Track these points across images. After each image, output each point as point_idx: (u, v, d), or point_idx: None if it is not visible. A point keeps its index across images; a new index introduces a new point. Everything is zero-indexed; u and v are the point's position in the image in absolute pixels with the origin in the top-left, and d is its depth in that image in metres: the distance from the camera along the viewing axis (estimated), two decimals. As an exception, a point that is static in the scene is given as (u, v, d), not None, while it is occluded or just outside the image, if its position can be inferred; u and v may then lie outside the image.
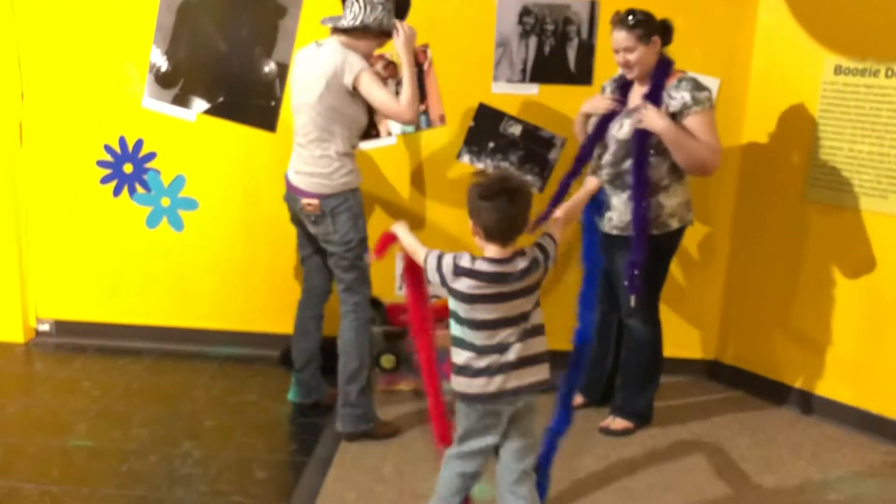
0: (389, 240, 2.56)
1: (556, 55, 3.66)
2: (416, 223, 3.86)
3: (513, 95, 3.69)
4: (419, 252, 2.38)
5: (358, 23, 3.00)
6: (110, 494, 2.78)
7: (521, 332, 2.27)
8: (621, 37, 2.98)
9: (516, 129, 3.74)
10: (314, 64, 3.05)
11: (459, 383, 2.31)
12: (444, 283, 2.27)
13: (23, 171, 3.95)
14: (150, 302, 4.06)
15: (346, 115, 3.05)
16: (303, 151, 3.11)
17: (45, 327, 4.15)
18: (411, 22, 3.48)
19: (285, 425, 3.39)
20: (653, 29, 2.99)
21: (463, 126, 3.76)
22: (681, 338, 3.92)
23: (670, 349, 3.88)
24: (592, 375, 3.53)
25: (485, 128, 3.74)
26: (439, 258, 2.28)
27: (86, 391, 3.58)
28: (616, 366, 3.47)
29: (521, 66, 3.68)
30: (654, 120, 2.94)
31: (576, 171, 3.23)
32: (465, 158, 3.79)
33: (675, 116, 2.98)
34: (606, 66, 3.52)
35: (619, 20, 2.99)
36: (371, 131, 3.77)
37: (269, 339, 3.97)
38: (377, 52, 3.25)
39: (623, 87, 3.17)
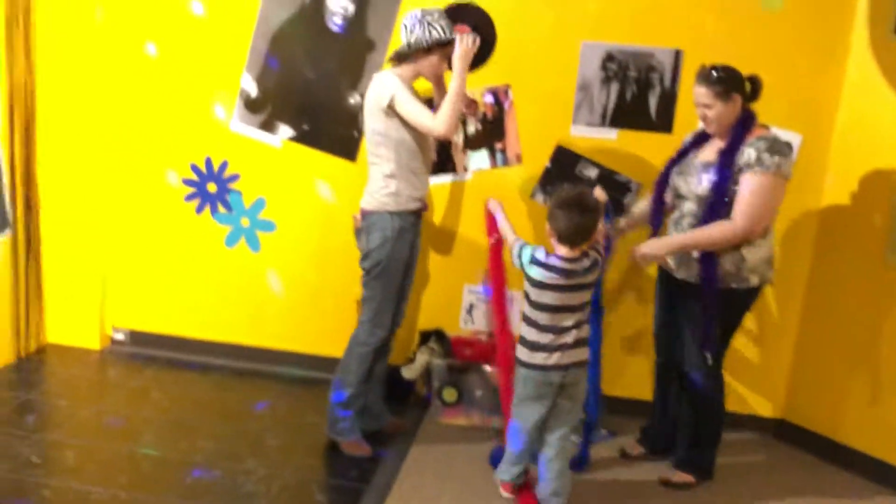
0: (491, 219, 3.30)
1: (638, 102, 3.68)
2: (483, 257, 3.88)
3: (591, 139, 3.71)
4: (509, 236, 3.07)
5: (400, 49, 3.16)
6: (175, 504, 2.85)
7: (577, 319, 2.82)
8: (701, 92, 2.97)
9: (592, 172, 3.76)
10: (368, 92, 3.21)
11: (522, 353, 2.87)
12: (521, 267, 2.86)
13: (111, 185, 4.12)
14: (223, 319, 4.17)
15: (392, 139, 3.15)
16: (368, 171, 3.30)
17: (120, 336, 4.30)
18: (495, 60, 3.56)
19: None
20: (734, 86, 2.95)
21: (539, 166, 3.80)
22: (749, 394, 3.86)
23: (737, 405, 3.83)
24: (655, 426, 3.49)
25: (561, 169, 3.77)
26: (521, 247, 2.89)
27: (156, 401, 3.69)
28: (678, 415, 3.42)
29: (601, 111, 3.71)
30: (646, 254, 3.05)
31: (656, 223, 3.24)
32: (539, 198, 3.82)
33: (738, 173, 2.92)
34: (688, 115, 3.52)
35: (702, 75, 2.98)
36: (446, 166, 3.84)
37: (335, 363, 4.01)
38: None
39: (702, 136, 3.17)
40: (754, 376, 3.85)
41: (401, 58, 3.19)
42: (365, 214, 3.24)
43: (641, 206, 3.40)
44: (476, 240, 3.89)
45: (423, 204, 3.32)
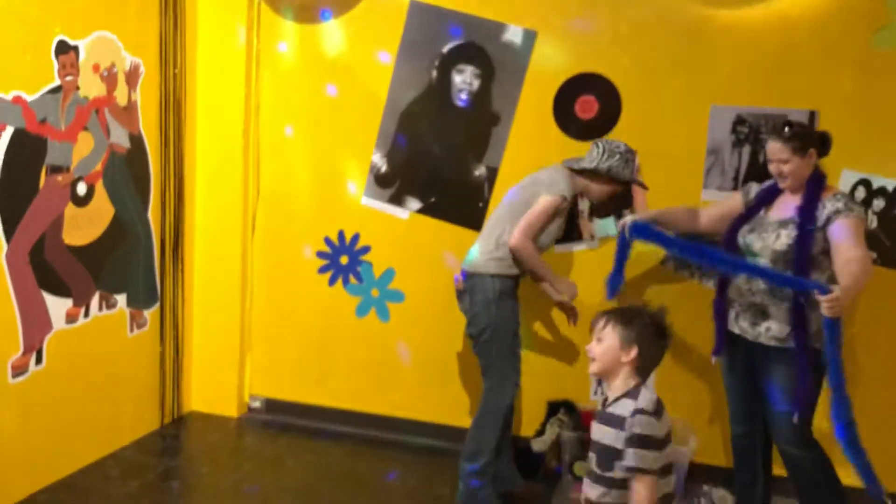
0: None
1: (771, 164, 3.57)
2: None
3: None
4: None
5: (591, 166, 3.32)
6: (311, 575, 2.88)
7: None
8: (777, 147, 2.95)
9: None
10: (530, 177, 3.40)
11: None
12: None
13: (251, 259, 4.33)
14: (354, 387, 4.26)
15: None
16: (478, 239, 3.44)
17: (256, 404, 4.44)
18: (622, 126, 3.59)
19: (477, 523, 3.38)
20: (809, 142, 2.93)
21: (669, 232, 3.71)
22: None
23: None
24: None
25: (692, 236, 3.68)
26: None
27: (290, 470, 3.78)
28: (767, 492, 3.21)
29: (732, 175, 3.62)
30: (840, 305, 2.69)
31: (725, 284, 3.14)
32: (670, 265, 3.73)
33: (824, 226, 2.86)
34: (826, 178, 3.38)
35: (776, 131, 2.97)
36: (573, 234, 3.83)
37: (463, 433, 4.00)
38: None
39: (770, 192, 3.08)
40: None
41: (584, 172, 3.36)
42: (468, 276, 3.33)
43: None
44: (602, 307, 3.82)
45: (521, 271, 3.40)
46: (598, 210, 3.80)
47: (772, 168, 3.00)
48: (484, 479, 3.32)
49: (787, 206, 3.01)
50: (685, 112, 3.65)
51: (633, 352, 2.30)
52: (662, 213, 3.30)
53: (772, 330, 2.96)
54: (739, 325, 3.07)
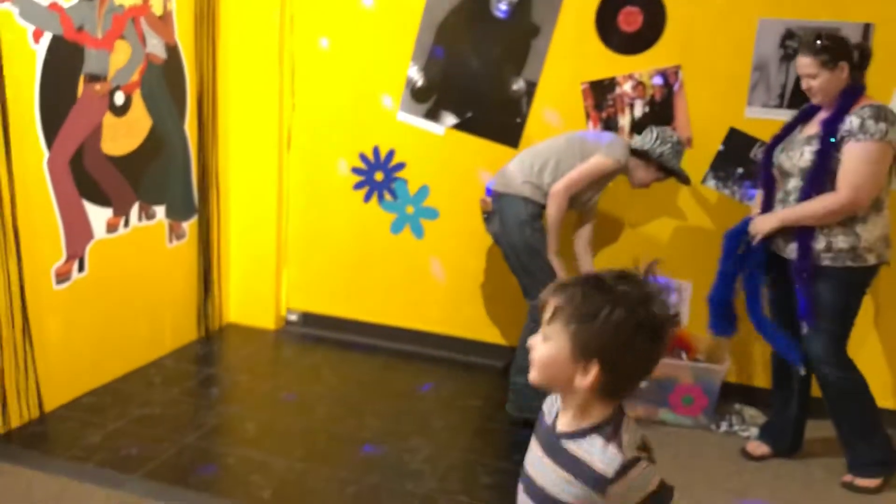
0: None
1: (820, 80, 3.45)
2: (652, 245, 3.79)
3: (768, 121, 3.51)
4: None
5: (645, 147, 3.33)
6: (347, 478, 2.96)
7: None
8: (806, 62, 2.87)
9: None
10: (595, 132, 3.54)
11: None
12: None
13: (287, 174, 4.33)
14: (388, 303, 4.30)
15: (573, 152, 3.35)
16: (513, 160, 3.45)
17: (293, 317, 4.51)
18: (664, 40, 3.51)
19: (510, 434, 3.43)
20: (842, 54, 2.83)
21: (711, 150, 3.64)
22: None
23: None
24: (776, 423, 3.27)
25: (734, 153, 3.61)
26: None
27: (325, 379, 3.86)
28: (802, 410, 3.21)
29: (779, 92, 3.51)
30: (760, 227, 2.93)
31: (768, 206, 3.08)
32: (711, 183, 3.67)
33: (840, 142, 2.80)
34: (875, 94, 3.26)
35: (805, 44, 2.88)
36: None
37: (495, 349, 4.06)
38: (630, 71, 3.29)
39: (809, 111, 3.02)
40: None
41: (637, 153, 3.36)
42: (498, 196, 3.32)
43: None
44: (643, 228, 3.80)
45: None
46: (639, 127, 3.70)
47: (802, 84, 2.93)
48: (536, 390, 3.36)
49: (817, 122, 2.94)
50: (731, 25, 3.53)
51: (593, 371, 1.40)
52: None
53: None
54: (776, 243, 3.03)
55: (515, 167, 3.36)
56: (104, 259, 3.51)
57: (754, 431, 3.44)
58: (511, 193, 3.30)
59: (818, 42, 2.85)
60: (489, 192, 3.41)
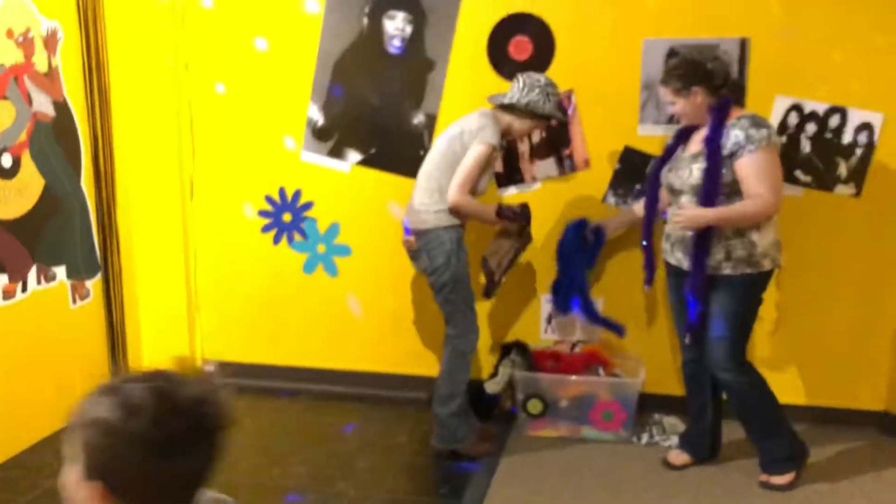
0: None
1: (705, 95, 3.59)
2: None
3: (660, 137, 3.64)
4: None
5: (511, 101, 3.27)
6: (272, 530, 2.90)
7: None
8: (662, 92, 3.05)
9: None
10: (456, 125, 3.34)
11: None
12: None
13: (192, 222, 4.25)
14: (307, 344, 4.25)
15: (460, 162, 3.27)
16: (415, 190, 3.41)
17: (210, 368, 4.40)
18: (556, 66, 3.58)
19: (436, 468, 3.43)
20: (693, 79, 2.95)
21: (609, 170, 3.74)
22: (847, 387, 3.70)
23: (837, 398, 3.69)
24: (694, 431, 3.37)
25: (631, 170, 3.71)
26: None
27: (247, 429, 3.76)
28: (717, 416, 3.31)
29: (668, 108, 3.64)
30: (691, 221, 2.95)
31: (648, 222, 3.33)
32: (611, 201, 3.77)
33: (731, 157, 2.90)
34: (757, 104, 3.42)
35: (663, 74, 3.05)
36: (515, 176, 3.83)
37: (419, 381, 4.05)
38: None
39: (687, 129, 3.15)
40: (853, 368, 3.69)
41: (506, 108, 3.31)
42: (419, 234, 3.30)
43: (636, 207, 3.48)
44: (549, 249, 3.86)
45: None
46: (538, 152, 3.79)
47: (668, 110, 3.10)
48: (460, 418, 3.41)
49: (698, 139, 3.06)
50: (618, 47, 3.64)
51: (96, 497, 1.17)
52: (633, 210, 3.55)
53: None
54: (675, 256, 3.13)
55: (421, 199, 3.35)
56: (3, 328, 3.38)
57: (675, 440, 3.52)
58: (430, 228, 3.29)
59: (669, 72, 3.01)
60: (408, 231, 3.40)
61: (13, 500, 3.10)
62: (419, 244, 3.32)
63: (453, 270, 3.29)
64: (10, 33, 3.36)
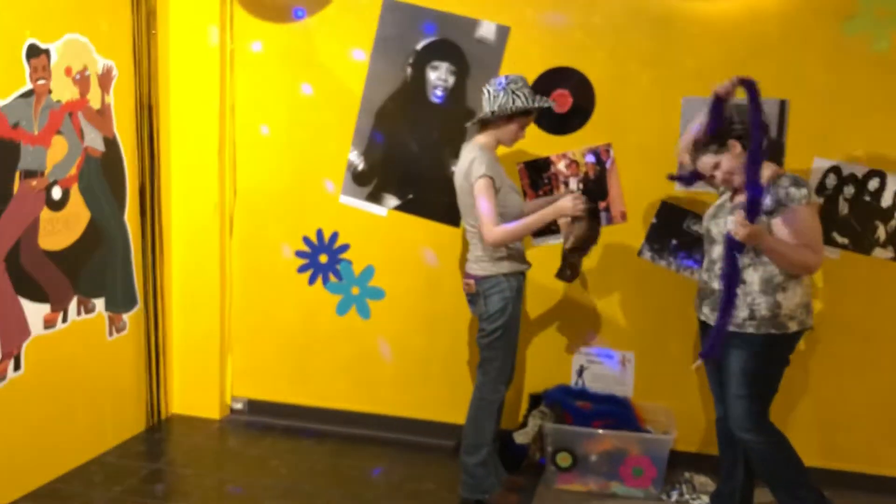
0: None
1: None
2: (593, 318, 3.86)
3: (698, 192, 3.66)
4: None
5: (485, 115, 3.25)
6: (297, 572, 2.88)
7: None
8: (705, 160, 3.04)
9: (701, 228, 3.68)
10: (459, 164, 3.34)
11: None
12: None
13: (230, 260, 4.31)
14: (336, 386, 4.26)
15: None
16: (469, 239, 3.38)
17: (238, 405, 4.43)
18: (595, 120, 3.61)
19: (462, 517, 3.41)
20: (726, 136, 3.01)
21: (645, 223, 3.76)
22: (877, 453, 3.63)
23: (866, 464, 3.62)
24: (724, 489, 3.32)
25: (667, 225, 3.73)
26: None
27: (274, 469, 3.78)
28: (749, 476, 3.25)
29: (706, 165, 3.66)
30: (751, 232, 2.84)
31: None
32: (647, 255, 3.78)
33: (770, 214, 2.91)
34: (795, 166, 3.44)
35: (696, 148, 3.06)
36: (552, 226, 3.85)
37: (446, 428, 4.03)
38: (563, 150, 3.40)
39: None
40: (883, 433, 3.63)
41: (483, 124, 3.30)
42: (479, 280, 3.30)
43: None
44: (584, 301, 3.87)
45: (528, 262, 3.40)
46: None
47: (717, 182, 3.06)
48: (488, 468, 3.38)
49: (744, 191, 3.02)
50: (657, 104, 3.69)
51: None
52: None
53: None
54: (703, 311, 3.12)
55: (475, 249, 3.32)
56: (42, 356, 3.43)
57: (705, 499, 3.46)
58: (491, 274, 3.28)
59: (703, 142, 3.04)
60: (467, 275, 3.37)
61: (41, 530, 3.12)
62: (478, 289, 3.31)
63: (507, 318, 3.28)
64: (68, 71, 3.48)
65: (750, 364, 2.99)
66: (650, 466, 3.52)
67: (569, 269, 3.40)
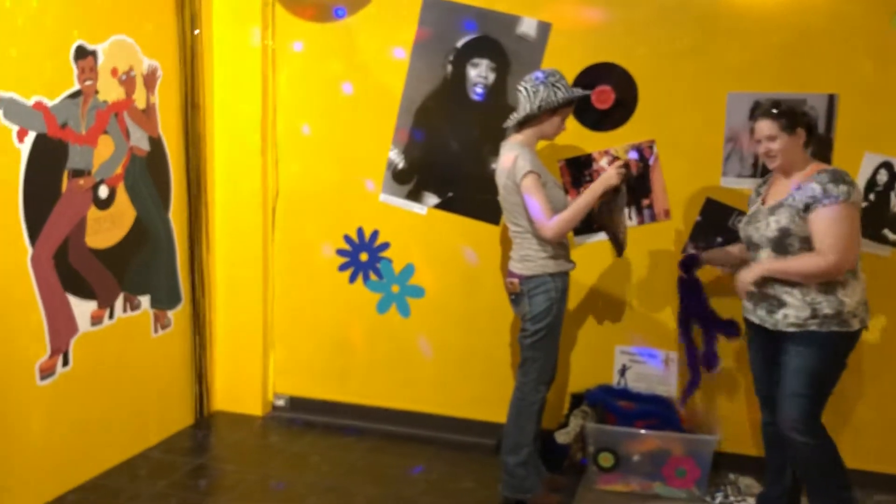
0: None
1: (791, 150, 3.54)
2: (637, 317, 3.82)
3: (743, 190, 3.59)
4: None
5: (527, 112, 3.22)
6: (338, 569, 2.89)
7: None
8: (765, 125, 2.93)
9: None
10: (500, 163, 3.31)
11: None
12: None
13: (271, 259, 4.35)
14: (376, 384, 4.27)
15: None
16: (513, 238, 3.35)
17: (280, 402, 4.47)
18: (637, 117, 3.57)
19: (502, 516, 3.39)
20: (799, 121, 2.92)
21: (689, 221, 3.71)
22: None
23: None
24: (771, 493, 3.25)
25: (712, 223, 3.67)
26: None
27: (315, 466, 3.80)
28: (795, 481, 3.17)
29: (752, 161, 3.60)
30: (744, 284, 2.98)
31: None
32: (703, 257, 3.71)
33: (806, 210, 2.84)
34: (846, 161, 3.36)
35: (763, 109, 2.95)
36: (593, 225, 3.81)
37: (486, 427, 4.01)
38: (605, 147, 3.37)
39: (764, 185, 3.14)
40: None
41: (527, 121, 3.26)
42: (524, 279, 3.27)
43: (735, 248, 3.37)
44: (627, 299, 3.82)
45: (573, 262, 3.37)
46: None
47: (760, 149, 2.99)
48: (528, 468, 3.36)
49: (778, 191, 3.00)
50: (702, 100, 3.63)
51: None
52: (715, 251, 3.46)
53: (789, 317, 2.93)
54: (758, 314, 3.05)
55: (521, 247, 3.29)
56: (89, 352, 3.49)
57: (750, 502, 3.40)
58: (537, 274, 3.26)
59: (776, 108, 2.93)
60: (510, 273, 3.34)
61: (88, 522, 3.18)
62: (522, 288, 3.28)
63: (552, 319, 3.26)
64: (114, 71, 3.54)
65: (812, 362, 2.91)
66: (694, 467, 3.47)
67: (622, 242, 3.39)
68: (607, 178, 3.22)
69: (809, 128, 2.96)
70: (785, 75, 3.52)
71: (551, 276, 3.24)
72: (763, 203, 3.06)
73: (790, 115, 2.91)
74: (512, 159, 3.21)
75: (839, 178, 2.85)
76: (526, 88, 3.23)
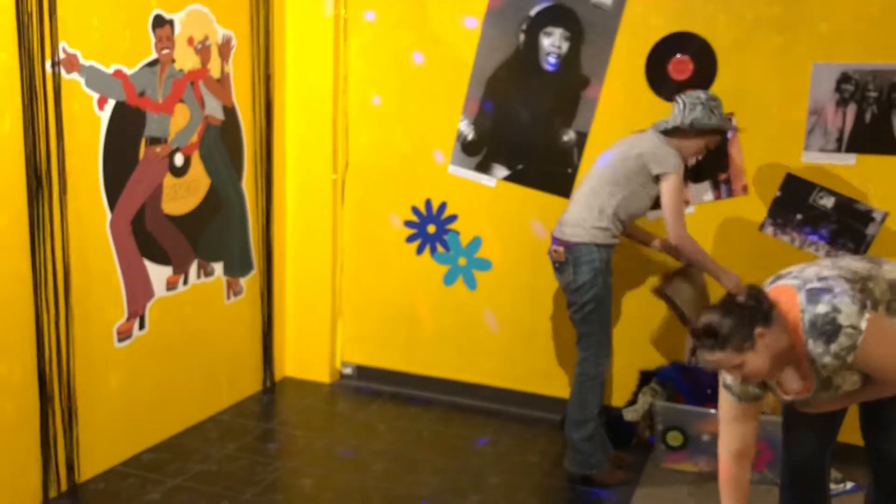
0: None
1: (879, 124, 3.39)
2: (711, 294, 3.72)
3: (826, 165, 3.46)
4: None
5: (676, 123, 3.21)
6: (404, 536, 2.93)
7: None
8: (721, 360, 2.20)
9: (828, 202, 3.49)
10: (627, 144, 3.31)
11: None
12: None
13: (341, 229, 4.38)
14: (442, 355, 4.28)
15: (632, 188, 3.24)
16: (579, 200, 3.33)
17: (348, 371, 4.52)
18: (717, 88, 3.47)
19: (569, 491, 3.36)
20: (753, 322, 2.16)
21: (768, 197, 3.59)
22: None
23: None
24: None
25: (792, 199, 3.54)
26: None
27: (381, 434, 3.84)
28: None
29: (836, 135, 3.45)
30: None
31: None
32: (769, 230, 3.60)
33: (845, 357, 2.21)
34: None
35: (700, 344, 2.22)
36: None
37: (551, 402, 3.99)
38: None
39: None
40: None
41: (674, 132, 3.24)
42: (570, 246, 3.24)
43: None
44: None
45: (619, 240, 3.37)
46: (694, 175, 3.68)
47: (733, 377, 2.36)
48: (594, 444, 3.34)
49: (792, 377, 2.35)
50: (785, 71, 3.49)
51: None
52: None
53: None
54: None
55: (580, 213, 3.28)
56: (164, 316, 3.58)
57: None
58: (585, 242, 3.24)
59: (711, 340, 2.18)
60: (555, 241, 3.34)
61: (162, 482, 3.28)
62: (567, 256, 3.27)
63: (598, 290, 3.23)
64: (190, 41, 3.58)
65: None
66: (766, 449, 3.38)
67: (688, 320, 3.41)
68: (725, 278, 3.25)
69: (766, 314, 2.20)
70: (874, 45, 3.36)
71: (598, 247, 3.22)
72: (787, 394, 2.39)
73: (736, 332, 2.16)
74: (654, 145, 3.22)
75: (825, 332, 2.20)
76: (684, 101, 3.22)
